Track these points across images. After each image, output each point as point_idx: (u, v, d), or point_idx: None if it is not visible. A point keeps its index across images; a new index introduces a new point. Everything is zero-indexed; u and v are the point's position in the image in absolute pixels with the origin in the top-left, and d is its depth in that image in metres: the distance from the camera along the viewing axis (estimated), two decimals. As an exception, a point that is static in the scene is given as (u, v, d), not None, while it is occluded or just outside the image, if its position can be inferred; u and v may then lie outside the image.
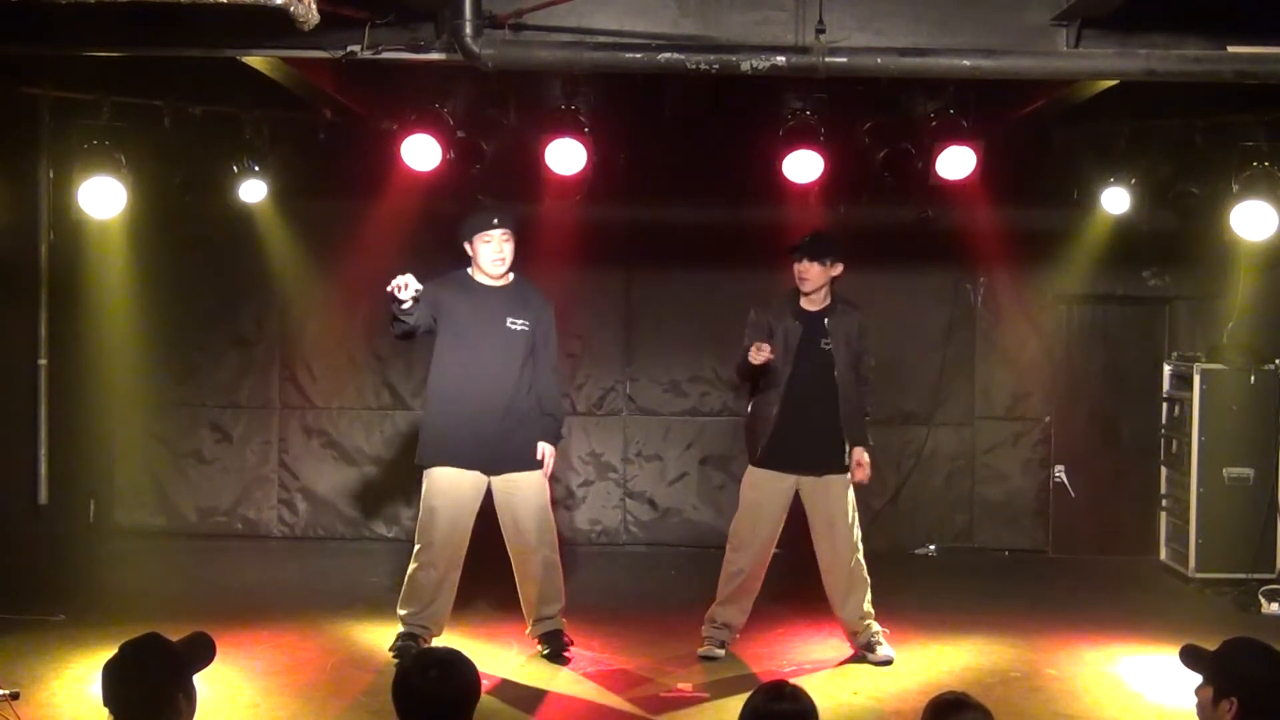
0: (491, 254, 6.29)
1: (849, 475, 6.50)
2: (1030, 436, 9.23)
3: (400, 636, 6.38)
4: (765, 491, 6.48)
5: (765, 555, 6.54)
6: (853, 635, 6.59)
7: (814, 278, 6.41)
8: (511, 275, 6.44)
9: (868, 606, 6.55)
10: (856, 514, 6.56)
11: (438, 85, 7.51)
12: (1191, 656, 3.50)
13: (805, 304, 6.49)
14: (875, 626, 6.57)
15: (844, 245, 6.60)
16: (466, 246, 6.37)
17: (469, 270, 6.41)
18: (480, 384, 6.26)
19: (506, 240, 6.30)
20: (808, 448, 6.44)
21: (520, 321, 6.34)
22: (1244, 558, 8.17)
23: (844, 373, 6.45)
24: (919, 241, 8.74)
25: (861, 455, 6.50)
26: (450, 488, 6.30)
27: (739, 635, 6.63)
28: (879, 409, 9.10)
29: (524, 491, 6.34)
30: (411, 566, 6.39)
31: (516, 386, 6.31)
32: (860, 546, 6.53)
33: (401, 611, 6.40)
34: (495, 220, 6.29)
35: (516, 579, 6.46)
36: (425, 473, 6.39)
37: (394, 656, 6.27)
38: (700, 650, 6.52)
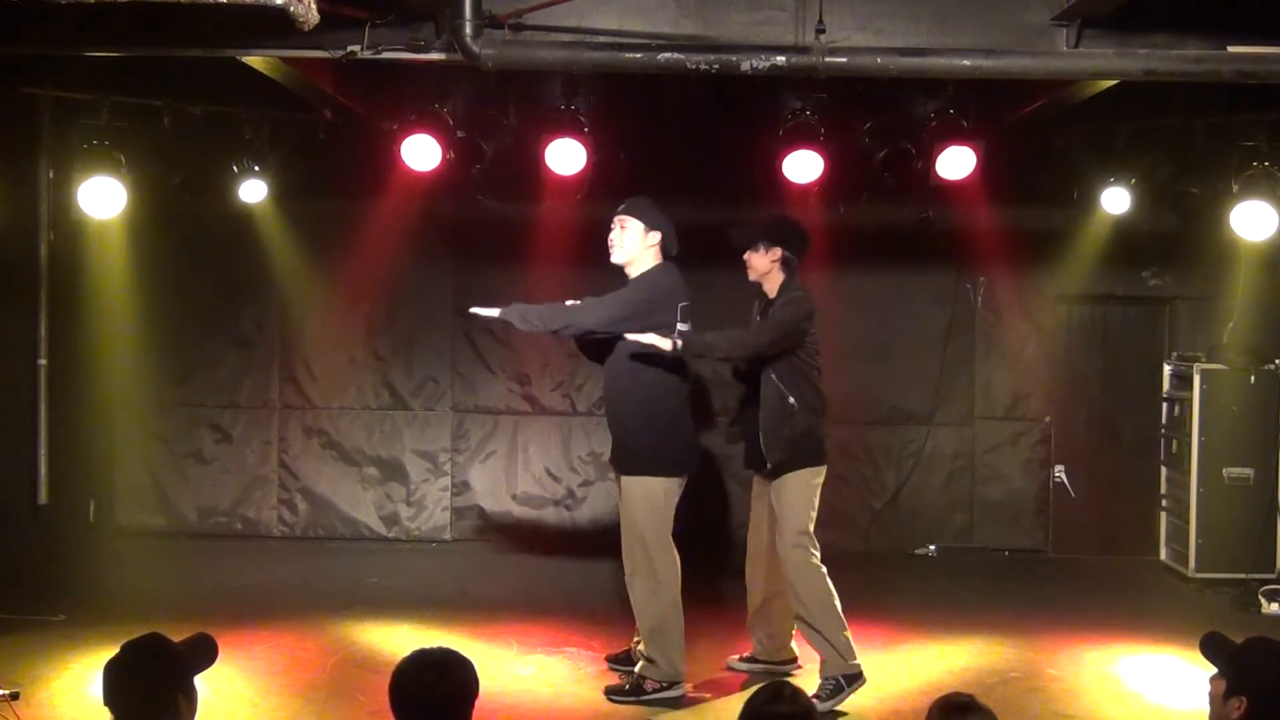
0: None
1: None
2: (1030, 436, 9.21)
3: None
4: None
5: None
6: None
7: (755, 265, 6.09)
8: (634, 267, 5.93)
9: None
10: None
11: (438, 85, 7.53)
12: (1213, 647, 3.47)
13: (766, 291, 6.16)
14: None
15: (778, 228, 6.16)
16: None
17: None
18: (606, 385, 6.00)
19: (622, 225, 5.89)
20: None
21: None
22: (1244, 558, 8.17)
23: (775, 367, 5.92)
24: (919, 241, 8.74)
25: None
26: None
27: (764, 639, 6.34)
28: (876, 408, 9.19)
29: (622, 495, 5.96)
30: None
31: (613, 386, 5.95)
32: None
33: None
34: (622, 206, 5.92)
35: None
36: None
37: None
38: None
